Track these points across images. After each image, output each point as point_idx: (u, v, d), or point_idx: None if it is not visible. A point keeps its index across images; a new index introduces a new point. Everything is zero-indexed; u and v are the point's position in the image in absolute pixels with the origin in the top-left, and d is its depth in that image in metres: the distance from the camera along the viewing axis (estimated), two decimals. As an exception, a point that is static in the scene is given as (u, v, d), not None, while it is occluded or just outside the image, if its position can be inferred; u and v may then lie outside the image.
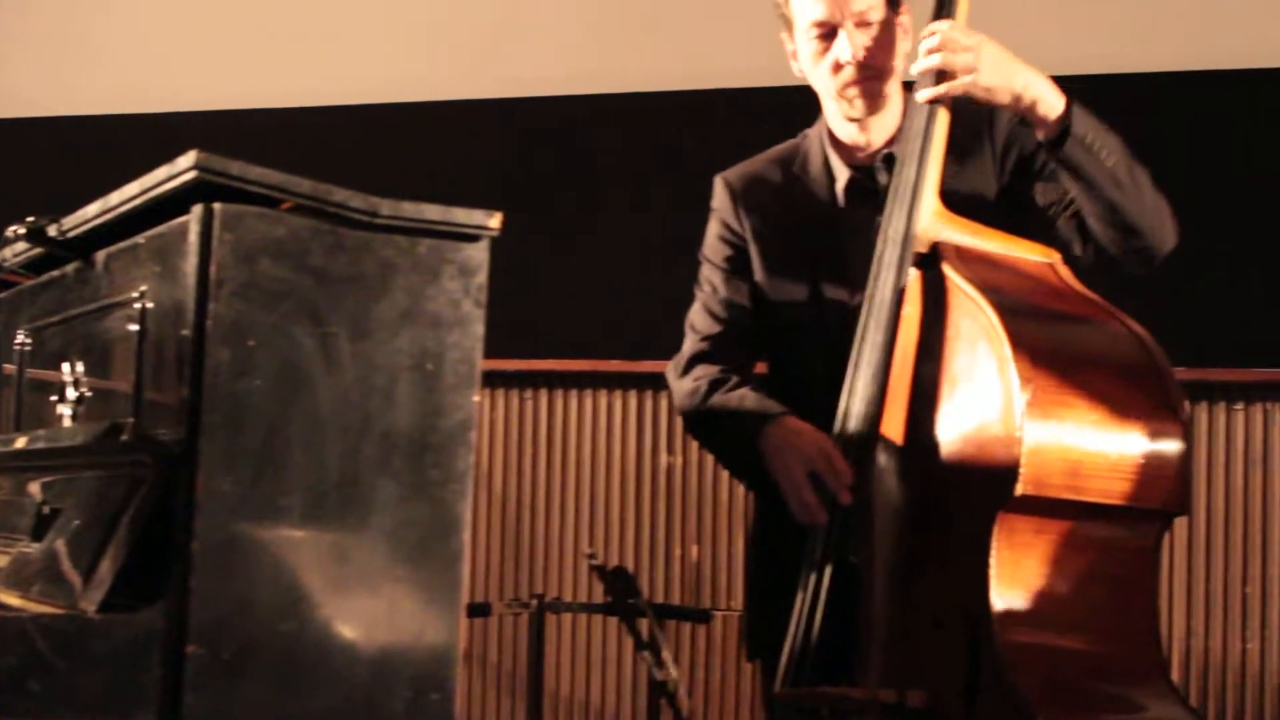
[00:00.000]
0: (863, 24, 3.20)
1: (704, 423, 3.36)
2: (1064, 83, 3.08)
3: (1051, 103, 3.02)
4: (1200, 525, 4.88)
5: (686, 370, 3.38)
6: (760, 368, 3.44)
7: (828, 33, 3.21)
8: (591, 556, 3.92)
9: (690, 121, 5.38)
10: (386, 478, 2.50)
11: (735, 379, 3.31)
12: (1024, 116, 3.07)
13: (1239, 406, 4.87)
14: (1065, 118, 3.01)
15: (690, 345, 3.41)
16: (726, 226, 3.38)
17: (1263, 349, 4.92)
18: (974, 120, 3.23)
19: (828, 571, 3.04)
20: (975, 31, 3.05)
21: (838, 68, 3.21)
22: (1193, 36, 5.04)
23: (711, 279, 3.40)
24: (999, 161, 3.26)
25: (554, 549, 5.45)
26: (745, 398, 3.26)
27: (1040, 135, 3.06)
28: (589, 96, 5.53)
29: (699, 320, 3.41)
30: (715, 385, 3.31)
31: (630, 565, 5.32)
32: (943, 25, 3.05)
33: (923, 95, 3.06)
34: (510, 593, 5.44)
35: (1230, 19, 5.02)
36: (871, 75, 3.21)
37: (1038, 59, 3.07)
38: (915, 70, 3.09)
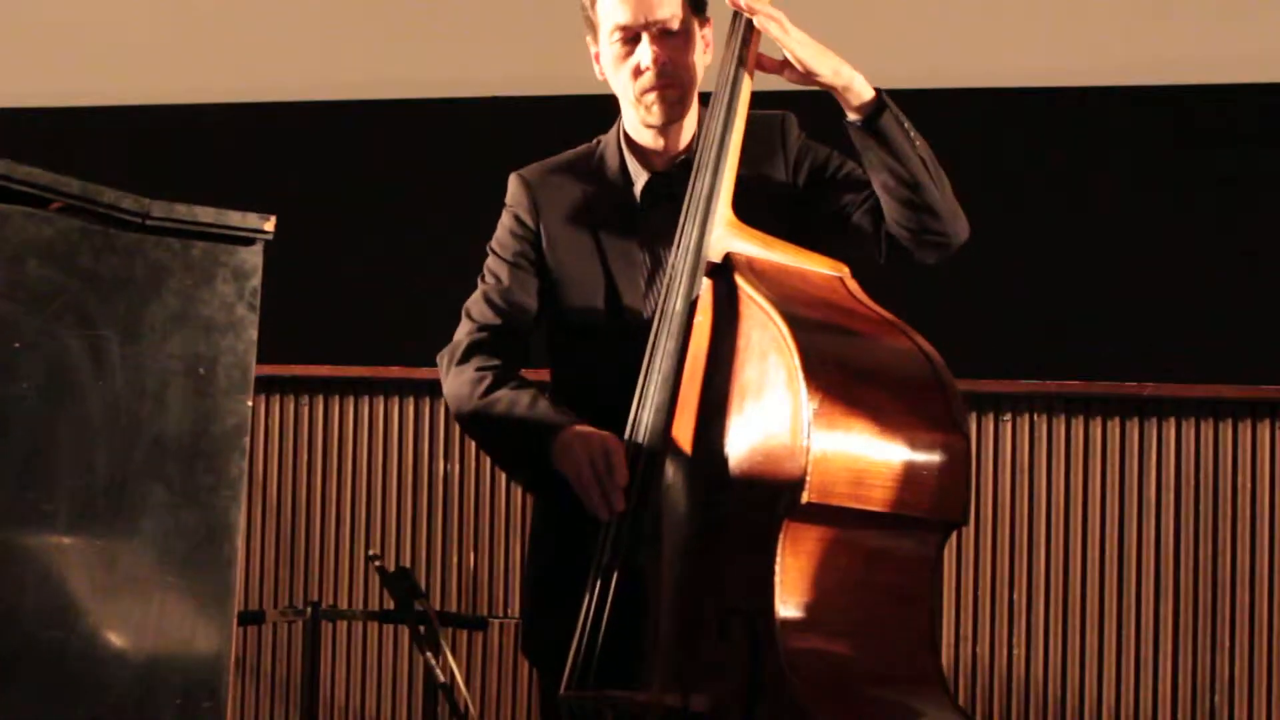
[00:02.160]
0: (664, 32, 3.19)
1: (482, 418, 3.28)
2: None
3: (862, 87, 3.09)
4: (969, 533, 4.95)
5: (464, 359, 3.31)
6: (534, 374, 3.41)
7: (631, 38, 3.21)
8: (374, 558, 3.90)
9: (477, 127, 5.37)
10: (157, 483, 2.47)
11: (519, 379, 3.27)
12: (837, 95, 3.11)
13: (1007, 417, 4.95)
14: (878, 98, 3.08)
15: (466, 334, 3.33)
16: (519, 221, 3.35)
17: (1029, 362, 5.02)
18: (767, 132, 3.27)
19: (614, 575, 3.03)
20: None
21: (638, 73, 3.22)
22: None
23: (497, 271, 3.35)
24: (792, 172, 3.29)
25: (330, 555, 5.39)
26: (538, 402, 3.22)
27: (852, 115, 3.10)
28: (366, 101, 5.50)
29: (478, 309, 3.34)
30: (501, 380, 3.26)
31: (406, 571, 5.29)
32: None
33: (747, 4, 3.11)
34: (285, 600, 5.38)
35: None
36: (670, 83, 3.21)
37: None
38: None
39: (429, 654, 3.12)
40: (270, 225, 2.56)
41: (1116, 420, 4.92)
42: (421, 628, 3.20)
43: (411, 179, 5.46)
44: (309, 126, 5.56)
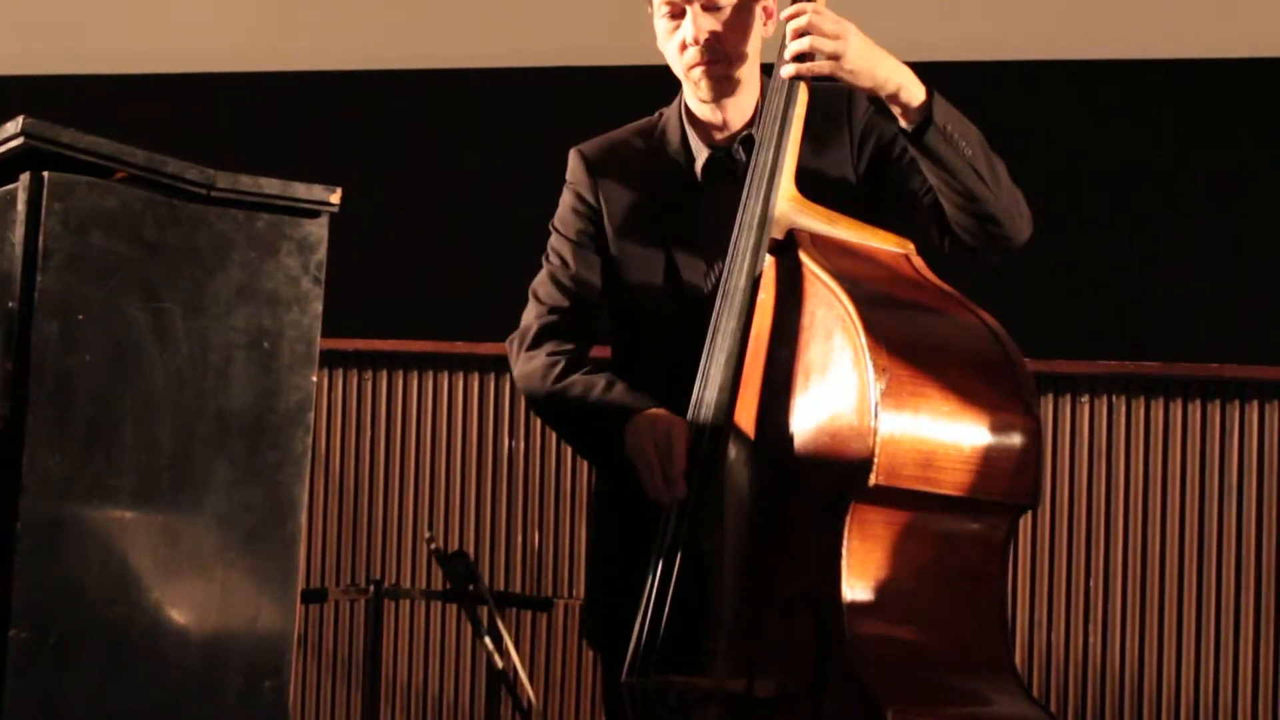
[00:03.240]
0: (711, 7, 3.17)
1: (557, 403, 3.29)
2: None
3: (913, 91, 3.04)
4: (1044, 517, 4.94)
5: (536, 344, 3.31)
6: (601, 351, 3.41)
7: (677, 12, 3.19)
8: (430, 540, 3.91)
9: (538, 98, 5.37)
10: (221, 459, 2.49)
11: (591, 363, 3.28)
12: (885, 104, 3.08)
13: (1084, 399, 4.93)
14: (926, 107, 3.03)
15: (536, 317, 3.33)
16: (580, 199, 3.34)
17: (1108, 342, 4.99)
18: (832, 107, 3.23)
19: (677, 559, 3.03)
20: (842, 18, 3.06)
21: (684, 48, 3.19)
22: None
23: (561, 251, 3.35)
24: (856, 148, 3.26)
25: (393, 534, 5.41)
26: (613, 386, 3.21)
27: (902, 123, 3.07)
28: (433, 71, 5.50)
29: (545, 291, 3.35)
30: (574, 364, 3.26)
31: (470, 551, 5.30)
32: (809, 6, 3.05)
33: (786, 71, 3.07)
34: (347, 578, 5.41)
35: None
36: (717, 59, 3.18)
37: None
38: (785, 53, 3.09)
39: (487, 639, 3.11)
40: (336, 198, 2.56)
41: (1197, 403, 4.89)
42: (481, 609, 3.19)
43: (477, 151, 5.47)
44: (376, 96, 5.57)
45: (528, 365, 3.31)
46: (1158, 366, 4.90)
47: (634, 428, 3.12)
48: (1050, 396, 4.93)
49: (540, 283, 3.36)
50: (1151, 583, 4.89)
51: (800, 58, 3.05)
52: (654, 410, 3.14)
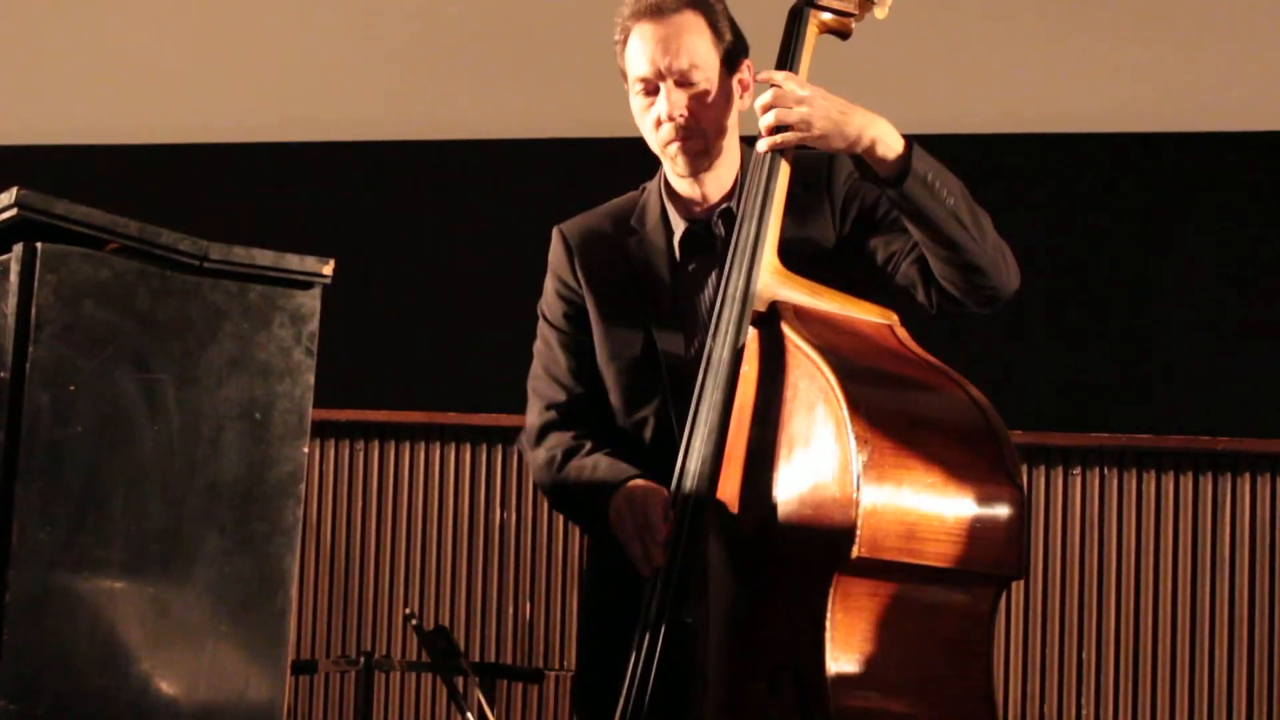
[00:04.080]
0: (684, 83, 3.18)
1: (560, 494, 3.35)
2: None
3: (890, 143, 3.05)
4: (1036, 590, 4.95)
5: (539, 440, 3.37)
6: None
7: (651, 89, 3.20)
8: (411, 617, 3.90)
9: (529, 170, 5.41)
10: (211, 530, 2.47)
11: (589, 444, 3.30)
12: (863, 159, 3.10)
13: (1077, 471, 4.95)
14: (905, 157, 3.05)
15: (537, 415, 3.39)
16: (562, 282, 3.37)
17: (1100, 414, 5.01)
18: (813, 176, 3.25)
19: (662, 631, 3.03)
20: (811, 84, 3.10)
21: (658, 124, 3.21)
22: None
23: (550, 340, 3.39)
24: (839, 216, 3.27)
25: (384, 605, 5.42)
26: (598, 465, 3.25)
27: (881, 174, 3.08)
28: (427, 142, 5.54)
29: (543, 387, 3.39)
30: (569, 454, 3.30)
31: (462, 622, 5.30)
32: (778, 76, 3.09)
33: (761, 146, 3.10)
34: (338, 650, 5.40)
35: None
36: (691, 134, 3.20)
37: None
38: (759, 126, 3.12)
39: (469, 715, 3.11)
40: (329, 269, 2.56)
41: (1189, 475, 4.91)
42: (460, 680, 3.19)
43: (470, 223, 5.50)
44: (370, 167, 5.61)
45: (534, 464, 3.37)
46: (1149, 439, 4.92)
47: (615, 503, 3.14)
48: (1042, 469, 4.95)
49: (536, 377, 3.41)
50: (1144, 655, 4.89)
51: (772, 131, 3.08)
52: (634, 483, 3.16)
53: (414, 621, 3.43)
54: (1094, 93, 5.12)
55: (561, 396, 3.36)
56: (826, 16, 3.20)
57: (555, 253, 3.40)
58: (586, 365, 3.35)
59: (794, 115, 3.05)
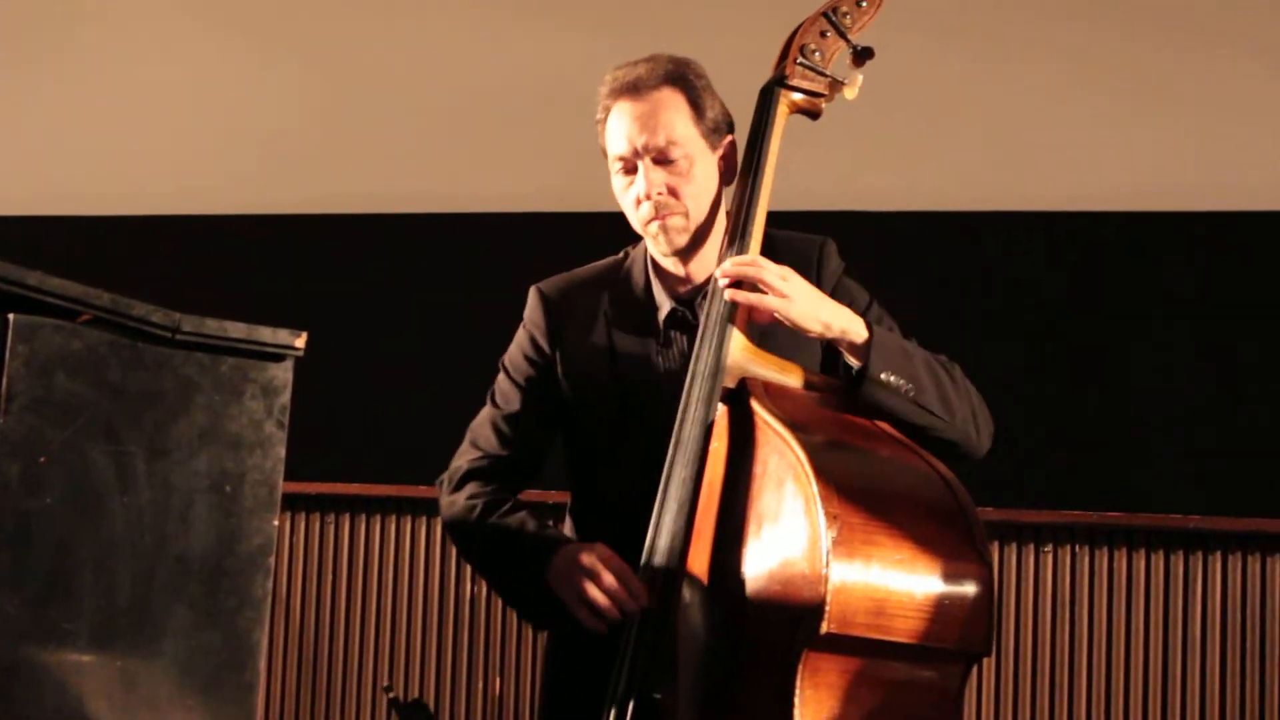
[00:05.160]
0: (663, 160, 3.17)
1: (479, 545, 3.30)
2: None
3: (853, 336, 3.06)
4: (1008, 668, 4.96)
5: (459, 486, 3.33)
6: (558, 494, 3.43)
7: (630, 167, 3.20)
8: (388, 690, 3.89)
9: (501, 243, 5.43)
10: (180, 603, 2.47)
11: (512, 502, 3.28)
12: (836, 346, 3.09)
13: (1048, 549, 4.96)
14: (865, 350, 3.05)
15: (467, 461, 3.35)
16: (534, 344, 3.35)
17: (1070, 492, 5.03)
18: (801, 258, 3.24)
19: (629, 710, 3.00)
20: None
21: (639, 203, 3.19)
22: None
23: (507, 395, 3.37)
24: None
25: (353, 680, 5.40)
26: (525, 522, 3.23)
27: (851, 361, 3.08)
28: (400, 215, 5.57)
29: (484, 436, 3.36)
30: (493, 505, 3.27)
31: (433, 696, 5.29)
32: (744, 259, 3.08)
33: (728, 294, 3.07)
34: (307, 725, 5.39)
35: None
36: (672, 212, 3.18)
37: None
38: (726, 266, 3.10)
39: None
40: (301, 341, 2.57)
41: (1161, 554, 4.91)
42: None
43: (442, 294, 5.52)
44: (338, 239, 5.63)
45: (450, 509, 3.32)
46: (1121, 517, 4.93)
47: (564, 557, 3.12)
48: (1013, 546, 4.96)
49: (480, 425, 3.38)
50: (1116, 733, 4.90)
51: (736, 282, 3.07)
52: (574, 544, 3.16)
53: (391, 694, 3.41)
54: (1074, 172, 5.17)
55: (503, 451, 3.34)
56: (797, 96, 3.22)
57: (532, 311, 3.37)
58: (534, 431, 3.34)
59: (776, 283, 3.04)
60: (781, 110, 3.20)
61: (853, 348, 3.06)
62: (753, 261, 3.07)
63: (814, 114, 3.25)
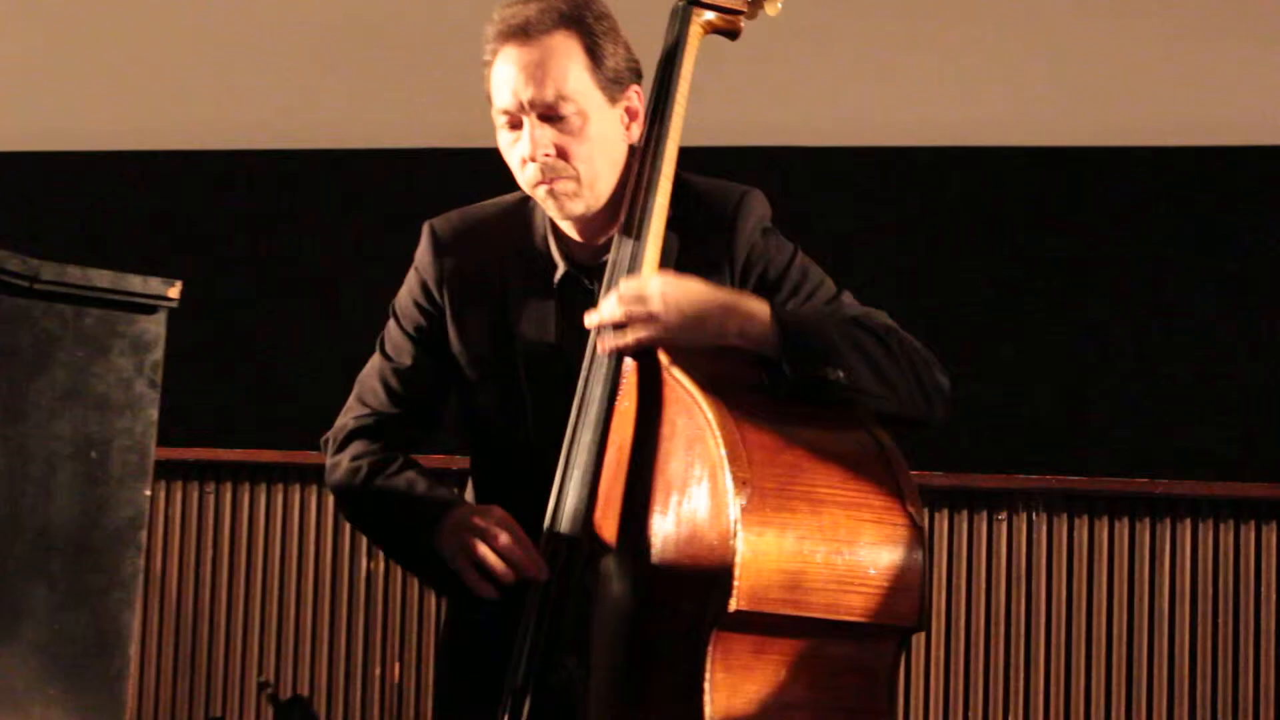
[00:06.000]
0: (551, 116, 3.10)
1: (365, 506, 3.28)
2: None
3: (759, 332, 3.00)
4: (959, 645, 5.02)
5: (344, 446, 3.31)
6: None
7: (515, 122, 3.13)
8: (265, 685, 3.85)
9: (400, 184, 5.45)
10: (39, 582, 2.48)
11: (400, 460, 3.26)
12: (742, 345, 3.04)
13: (1003, 516, 5.00)
14: (778, 350, 2.98)
15: (353, 416, 3.33)
16: (425, 290, 3.30)
17: (1028, 455, 5.10)
18: (716, 209, 3.20)
19: (527, 698, 3.00)
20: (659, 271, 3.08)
21: (525, 163, 3.13)
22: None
23: (398, 345, 3.33)
24: (740, 273, 3.20)
25: (235, 666, 5.36)
26: (415, 482, 3.21)
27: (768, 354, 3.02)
28: (299, 151, 5.55)
29: (372, 390, 3.33)
30: (380, 465, 3.24)
31: (323, 687, 5.26)
32: (630, 286, 3.03)
33: (600, 347, 3.05)
34: (184, 716, 5.37)
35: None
36: (561, 175, 3.11)
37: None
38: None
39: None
40: (175, 291, 2.55)
41: (1125, 521, 4.98)
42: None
43: (338, 241, 5.52)
44: (214, 178, 5.62)
45: (334, 470, 3.31)
46: (1082, 481, 4.99)
47: (454, 521, 3.11)
48: (965, 514, 4.99)
49: (368, 377, 3.35)
50: (1076, 713, 4.96)
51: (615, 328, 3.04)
52: (465, 505, 3.16)
53: (269, 690, 3.40)
54: (1032, 106, 5.22)
55: (390, 408, 3.30)
56: (711, 16, 3.17)
57: (423, 253, 3.32)
58: (428, 385, 3.31)
59: (638, 311, 2.99)
60: (694, 31, 3.16)
61: (764, 344, 3.00)
62: (609, 304, 3.02)
63: (733, 34, 3.21)
